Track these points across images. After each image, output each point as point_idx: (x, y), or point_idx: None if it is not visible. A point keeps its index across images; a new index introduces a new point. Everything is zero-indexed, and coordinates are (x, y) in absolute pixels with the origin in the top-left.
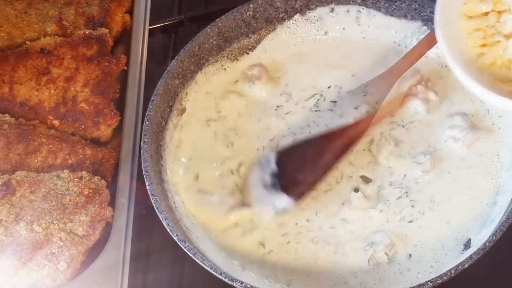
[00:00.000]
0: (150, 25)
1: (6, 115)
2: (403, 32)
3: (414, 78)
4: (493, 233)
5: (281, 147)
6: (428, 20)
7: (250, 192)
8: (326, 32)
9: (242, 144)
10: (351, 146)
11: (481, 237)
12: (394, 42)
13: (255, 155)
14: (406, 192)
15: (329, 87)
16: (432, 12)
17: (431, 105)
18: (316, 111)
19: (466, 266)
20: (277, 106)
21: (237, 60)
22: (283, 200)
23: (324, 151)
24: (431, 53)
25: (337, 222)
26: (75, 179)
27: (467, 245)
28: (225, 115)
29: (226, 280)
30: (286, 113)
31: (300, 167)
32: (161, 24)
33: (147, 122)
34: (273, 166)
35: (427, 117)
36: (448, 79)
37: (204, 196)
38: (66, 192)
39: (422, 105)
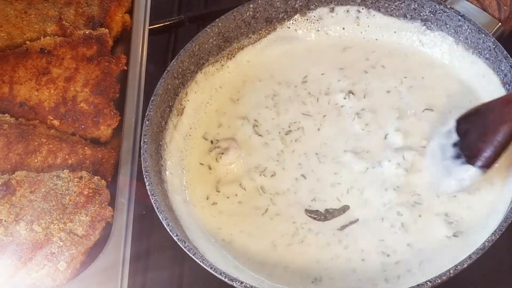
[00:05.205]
0: (150, 25)
1: (6, 115)
2: (402, 31)
3: None
4: (492, 233)
5: (460, 115)
6: (427, 20)
7: (431, 164)
8: (326, 33)
9: None
10: None
11: None
12: (393, 41)
13: None
14: None
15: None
16: (431, 12)
17: None
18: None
19: (465, 266)
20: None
21: (236, 59)
22: (470, 172)
23: (506, 115)
24: None
25: None
26: (75, 179)
27: None
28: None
29: (226, 280)
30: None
31: (483, 133)
32: (161, 24)
33: (147, 122)
34: (454, 136)
35: None
36: None
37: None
38: (66, 192)
39: None
